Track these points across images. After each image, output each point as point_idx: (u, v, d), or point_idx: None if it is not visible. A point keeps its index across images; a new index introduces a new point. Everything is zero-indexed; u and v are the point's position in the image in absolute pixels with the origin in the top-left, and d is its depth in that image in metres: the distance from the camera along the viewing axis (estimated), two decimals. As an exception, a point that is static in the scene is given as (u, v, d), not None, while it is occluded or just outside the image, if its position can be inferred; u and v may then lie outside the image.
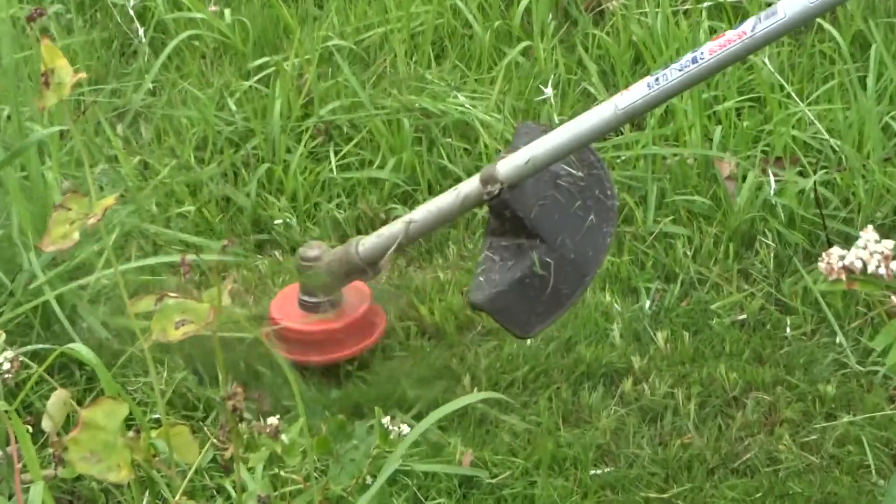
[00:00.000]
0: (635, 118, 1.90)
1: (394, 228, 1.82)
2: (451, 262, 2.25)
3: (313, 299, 1.88)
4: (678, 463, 1.93)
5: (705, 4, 2.55)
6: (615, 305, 2.15)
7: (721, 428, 1.97)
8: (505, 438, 1.97)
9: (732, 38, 1.59)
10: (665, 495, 1.89)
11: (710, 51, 1.61)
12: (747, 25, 1.62)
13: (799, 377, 2.01)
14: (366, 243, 1.82)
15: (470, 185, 1.76)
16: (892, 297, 1.32)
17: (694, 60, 1.62)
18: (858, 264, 1.23)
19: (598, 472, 1.87)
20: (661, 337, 2.07)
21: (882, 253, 1.26)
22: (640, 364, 2.03)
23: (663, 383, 1.98)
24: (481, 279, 1.78)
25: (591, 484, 1.86)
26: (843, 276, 1.28)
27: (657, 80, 1.64)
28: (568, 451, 1.97)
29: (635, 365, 2.03)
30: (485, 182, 1.70)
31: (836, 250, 1.27)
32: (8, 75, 2.16)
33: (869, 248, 1.24)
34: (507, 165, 1.70)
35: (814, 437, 1.90)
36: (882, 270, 1.25)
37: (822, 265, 1.27)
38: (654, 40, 2.50)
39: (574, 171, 1.83)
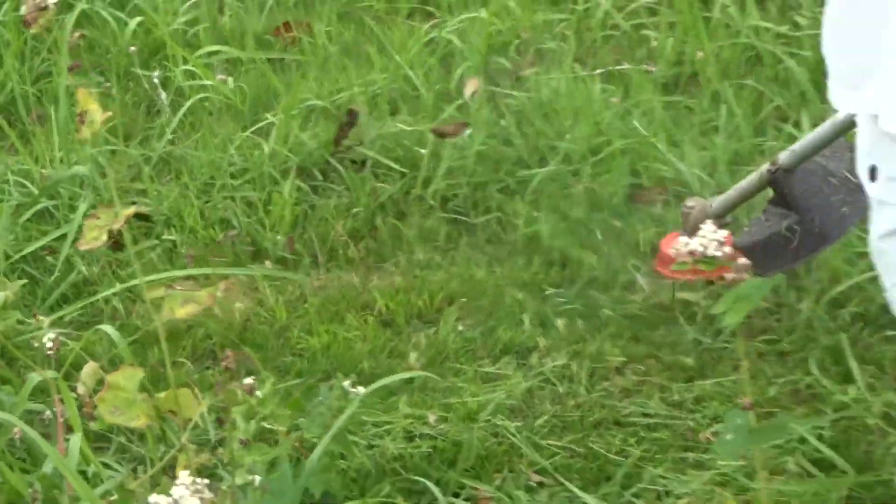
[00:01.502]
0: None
1: (724, 198, 1.96)
2: (402, 268, 2.25)
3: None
4: (572, 417, 1.94)
5: (598, 71, 2.56)
6: (528, 300, 2.18)
7: (605, 391, 1.98)
8: (440, 399, 1.97)
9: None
10: (560, 442, 1.87)
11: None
12: None
13: (666, 352, 2.03)
14: (718, 200, 1.96)
15: (763, 167, 1.95)
16: (726, 275, 1.34)
17: None
18: (700, 249, 1.27)
19: (511, 423, 1.89)
20: (562, 322, 2.10)
21: (717, 240, 1.29)
22: (544, 343, 2.05)
23: (561, 357, 2.00)
24: (747, 230, 1.98)
25: (504, 432, 1.87)
26: (689, 259, 1.30)
27: None
28: (490, 396, 1.96)
29: (541, 343, 2.05)
30: (771, 164, 1.87)
31: (683, 239, 1.30)
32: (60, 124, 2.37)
33: (708, 237, 1.27)
34: (784, 154, 1.84)
35: (677, 397, 1.90)
36: (718, 253, 1.28)
37: (672, 251, 1.39)
38: (559, 99, 2.50)
39: (850, 176, 1.88)
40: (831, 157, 2.02)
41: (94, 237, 1.61)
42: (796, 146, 1.97)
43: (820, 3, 2.38)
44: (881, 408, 1.89)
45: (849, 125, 1.84)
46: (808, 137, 1.98)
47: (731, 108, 2.40)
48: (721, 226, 2.13)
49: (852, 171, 1.91)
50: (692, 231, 2.09)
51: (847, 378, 1.96)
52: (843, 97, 1.37)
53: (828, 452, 1.82)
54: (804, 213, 1.92)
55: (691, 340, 2.08)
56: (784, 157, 1.92)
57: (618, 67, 2.63)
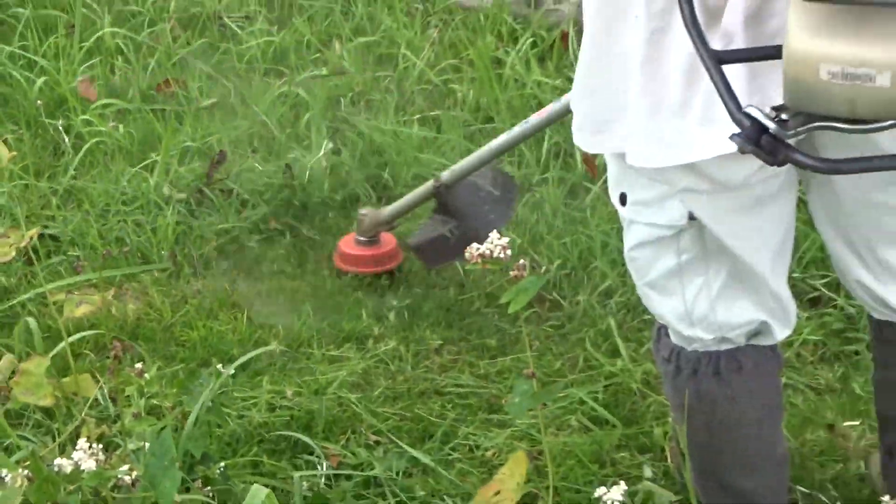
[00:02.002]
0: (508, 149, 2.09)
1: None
2: (265, 275, 2.26)
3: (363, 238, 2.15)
4: (402, 389, 1.94)
5: (416, 116, 2.59)
6: (366, 298, 2.19)
7: (427, 367, 2.01)
8: (296, 378, 1.96)
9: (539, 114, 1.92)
10: (393, 409, 1.92)
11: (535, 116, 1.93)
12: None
13: (474, 335, 2.07)
14: (389, 209, 2.10)
15: (429, 183, 2.03)
16: (511, 272, 1.38)
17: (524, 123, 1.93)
18: (488, 252, 1.33)
19: (353, 395, 1.89)
20: (393, 314, 2.14)
21: (501, 246, 1.34)
22: (379, 331, 2.10)
23: (392, 342, 2.05)
24: (417, 232, 2.13)
25: (347, 402, 1.89)
26: (479, 260, 1.36)
27: (511, 131, 1.93)
28: (336, 374, 1.96)
29: (376, 331, 2.09)
30: (436, 181, 2.00)
31: (475, 245, 1.37)
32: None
33: (494, 243, 1.33)
34: (446, 173, 1.97)
35: (483, 371, 1.96)
36: (502, 255, 1.34)
37: (467, 255, 1.37)
38: (388, 142, 2.52)
39: (493, 190, 2.09)
40: (479, 175, 2.13)
41: (4, 252, 1.69)
42: (456, 166, 2.07)
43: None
44: (641, 375, 1.94)
45: (496, 153, 1.99)
46: (466, 160, 2.07)
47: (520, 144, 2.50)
48: (390, 230, 2.27)
49: (494, 185, 2.17)
50: (365, 233, 2.20)
51: (615, 353, 2.01)
52: (587, 141, 1.32)
53: (601, 411, 1.86)
54: (462, 219, 2.06)
55: (494, 326, 2.12)
56: (446, 175, 2.04)
57: (431, 113, 2.67)
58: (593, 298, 2.10)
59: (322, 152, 2.54)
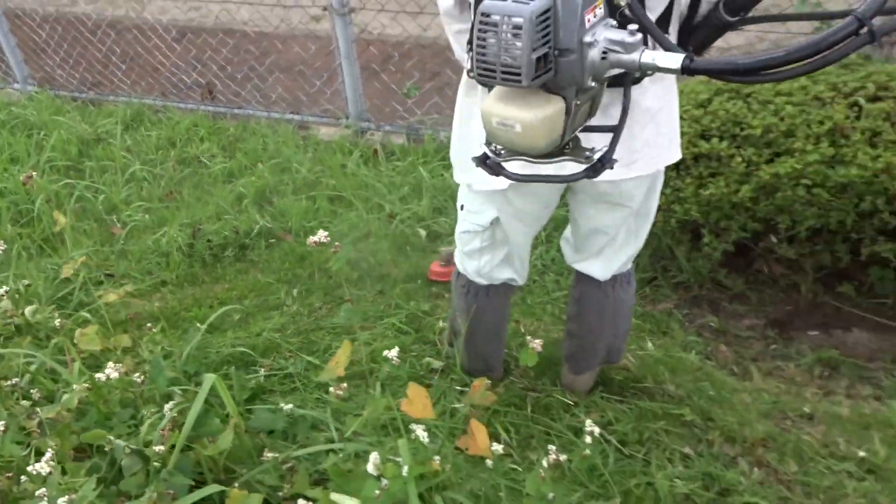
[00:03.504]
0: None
1: None
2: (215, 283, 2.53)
3: None
4: (302, 329, 2.26)
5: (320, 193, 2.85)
6: (281, 286, 2.40)
7: (316, 317, 2.32)
8: (244, 330, 2.17)
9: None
10: (296, 340, 2.27)
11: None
12: None
13: (339, 299, 2.38)
14: None
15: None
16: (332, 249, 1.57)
17: None
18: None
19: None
20: (295, 291, 2.42)
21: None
22: (290, 301, 2.36)
23: (295, 307, 2.39)
24: None
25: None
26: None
27: None
28: (266, 325, 2.31)
29: (289, 302, 2.40)
30: None
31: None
32: None
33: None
34: None
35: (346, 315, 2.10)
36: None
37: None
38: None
39: None
40: None
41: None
42: None
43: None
44: (428, 310, 2.24)
45: None
46: None
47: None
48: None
49: None
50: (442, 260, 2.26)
51: (409, 298, 2.34)
52: (457, 176, 1.53)
53: (405, 328, 2.24)
54: None
55: (346, 286, 2.33)
56: None
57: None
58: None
59: (257, 219, 2.84)
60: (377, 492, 1.17)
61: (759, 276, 2.22)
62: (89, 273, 2.55)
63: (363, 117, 3.42)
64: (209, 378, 1.53)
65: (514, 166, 1.18)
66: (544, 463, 1.31)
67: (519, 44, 0.92)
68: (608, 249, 1.60)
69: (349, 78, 3.28)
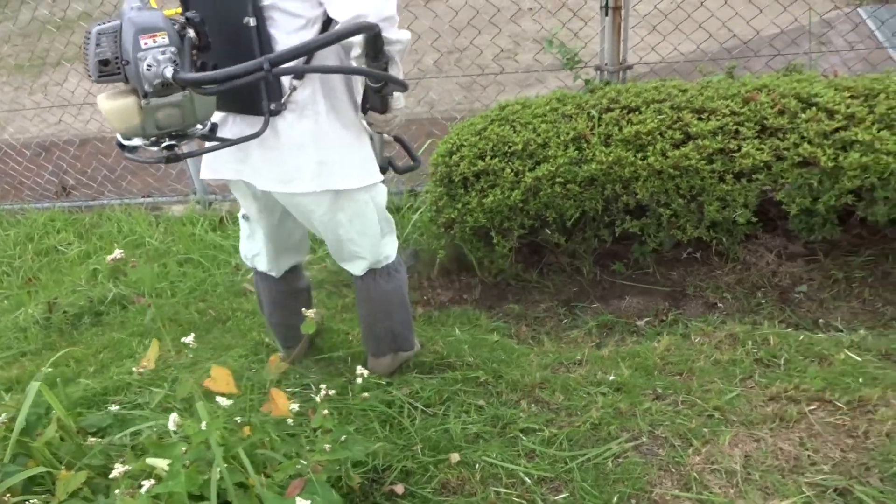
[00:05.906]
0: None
1: None
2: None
3: None
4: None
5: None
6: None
7: None
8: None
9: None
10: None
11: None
12: None
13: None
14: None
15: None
16: None
17: None
18: None
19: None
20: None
21: None
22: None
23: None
24: None
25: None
26: None
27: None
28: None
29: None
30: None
31: None
32: None
33: None
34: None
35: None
36: None
37: None
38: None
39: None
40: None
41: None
42: None
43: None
44: None
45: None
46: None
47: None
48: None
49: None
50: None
51: None
52: (205, 174, 1.70)
53: None
54: None
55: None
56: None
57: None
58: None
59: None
60: (183, 449, 1.26)
61: (552, 267, 2.54)
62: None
63: (208, 190, 3.59)
64: (34, 385, 1.61)
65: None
66: (318, 399, 1.51)
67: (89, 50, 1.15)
68: (343, 251, 1.77)
69: (190, 161, 3.48)
